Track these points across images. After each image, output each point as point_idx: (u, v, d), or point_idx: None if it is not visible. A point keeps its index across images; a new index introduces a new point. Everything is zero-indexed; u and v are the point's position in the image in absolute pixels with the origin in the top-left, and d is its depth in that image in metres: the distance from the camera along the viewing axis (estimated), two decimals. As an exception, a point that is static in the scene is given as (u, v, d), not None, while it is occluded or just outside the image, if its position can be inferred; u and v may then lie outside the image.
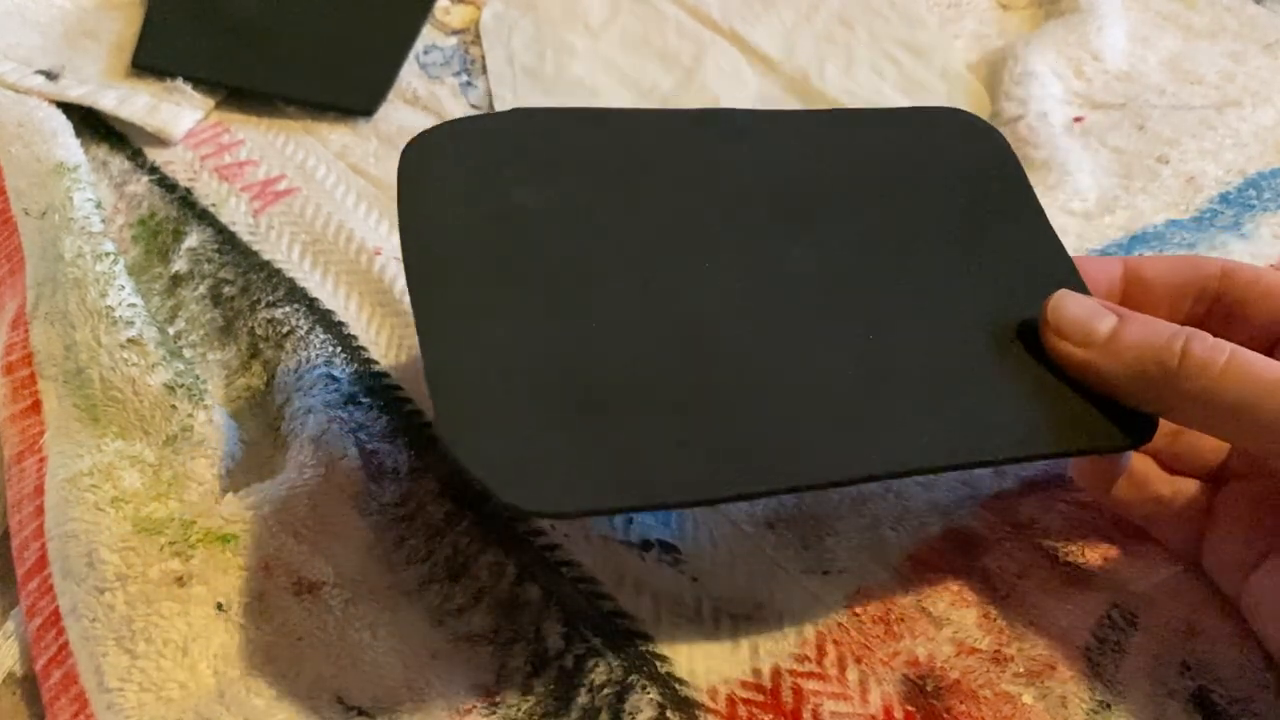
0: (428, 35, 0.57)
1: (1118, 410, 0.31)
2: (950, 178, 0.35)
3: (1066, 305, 0.31)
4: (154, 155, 0.49)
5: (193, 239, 0.46)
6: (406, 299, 0.42)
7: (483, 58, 0.56)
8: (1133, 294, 0.34)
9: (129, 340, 0.39)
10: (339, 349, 0.41)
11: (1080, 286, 0.33)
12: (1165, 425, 0.31)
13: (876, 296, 0.32)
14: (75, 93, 0.51)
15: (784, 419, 0.28)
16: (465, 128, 0.33)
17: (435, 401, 0.26)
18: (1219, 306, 0.34)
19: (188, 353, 0.42)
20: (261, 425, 0.40)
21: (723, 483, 0.27)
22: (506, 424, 0.26)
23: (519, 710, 0.32)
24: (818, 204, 0.34)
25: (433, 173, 0.31)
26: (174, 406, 0.38)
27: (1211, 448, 0.34)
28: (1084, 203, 0.48)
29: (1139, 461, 0.34)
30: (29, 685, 0.33)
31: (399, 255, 0.44)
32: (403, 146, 0.32)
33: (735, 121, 0.35)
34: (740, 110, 0.36)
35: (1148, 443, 0.31)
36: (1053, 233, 0.35)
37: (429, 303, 0.28)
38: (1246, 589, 0.32)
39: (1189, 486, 0.34)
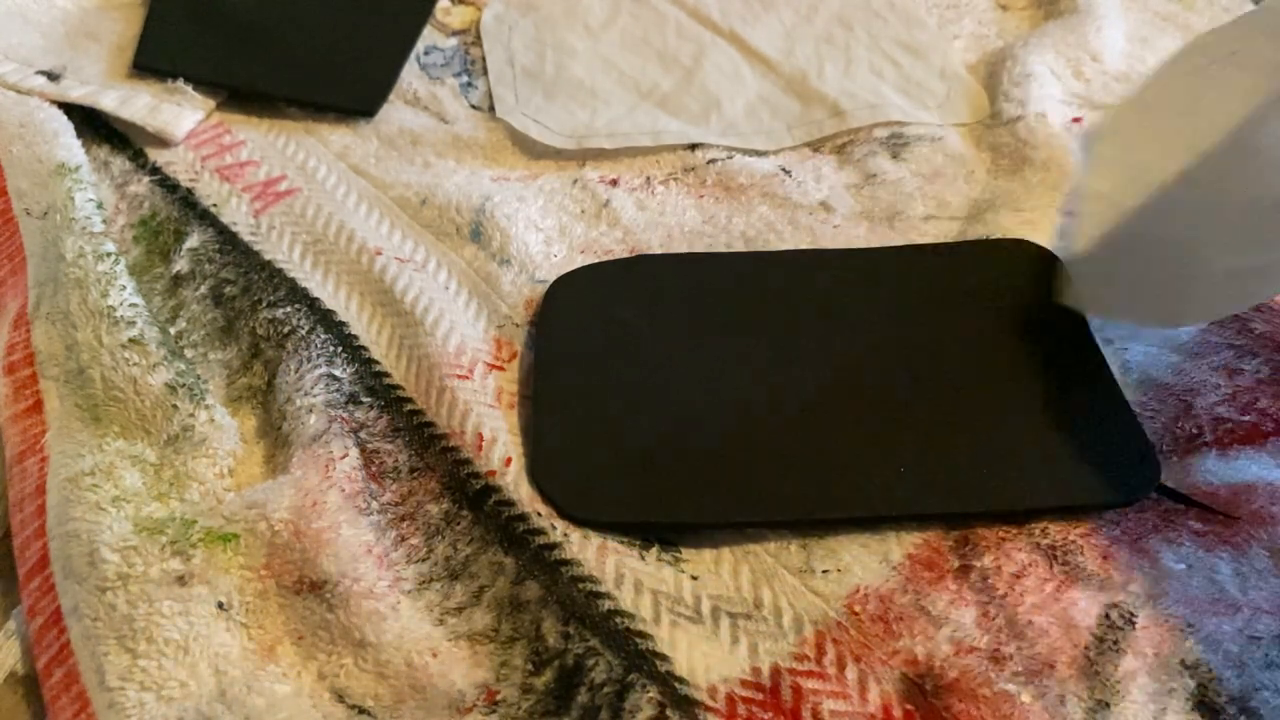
0: (428, 36, 0.57)
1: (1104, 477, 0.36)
2: (998, 291, 0.43)
3: None
4: (155, 156, 0.50)
5: (194, 239, 0.46)
6: (407, 299, 0.43)
7: (483, 58, 0.57)
8: None
9: (130, 340, 0.39)
10: (340, 349, 0.41)
11: (1112, 383, 0.38)
12: None
13: (902, 383, 0.40)
14: (76, 93, 0.51)
15: (781, 474, 0.37)
16: (594, 269, 0.45)
17: (530, 447, 0.38)
18: None
19: (189, 353, 0.42)
20: (262, 425, 0.40)
21: (714, 512, 0.36)
22: (576, 466, 0.38)
23: (519, 709, 0.32)
24: (866, 317, 0.42)
25: (566, 296, 0.44)
26: (175, 406, 0.38)
27: None
28: (1083, 203, 0.48)
29: None
30: (30, 684, 0.33)
31: (399, 255, 0.45)
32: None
33: (798, 261, 0.45)
34: (807, 250, 0.46)
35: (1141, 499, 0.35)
36: (1095, 344, 0.40)
37: (545, 382, 0.40)
38: None
39: None
